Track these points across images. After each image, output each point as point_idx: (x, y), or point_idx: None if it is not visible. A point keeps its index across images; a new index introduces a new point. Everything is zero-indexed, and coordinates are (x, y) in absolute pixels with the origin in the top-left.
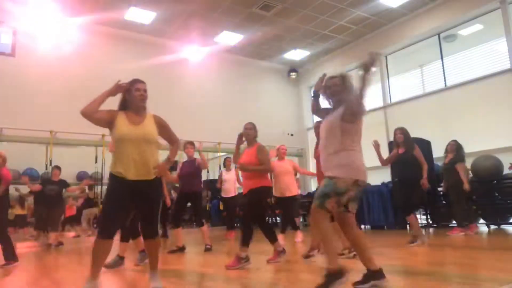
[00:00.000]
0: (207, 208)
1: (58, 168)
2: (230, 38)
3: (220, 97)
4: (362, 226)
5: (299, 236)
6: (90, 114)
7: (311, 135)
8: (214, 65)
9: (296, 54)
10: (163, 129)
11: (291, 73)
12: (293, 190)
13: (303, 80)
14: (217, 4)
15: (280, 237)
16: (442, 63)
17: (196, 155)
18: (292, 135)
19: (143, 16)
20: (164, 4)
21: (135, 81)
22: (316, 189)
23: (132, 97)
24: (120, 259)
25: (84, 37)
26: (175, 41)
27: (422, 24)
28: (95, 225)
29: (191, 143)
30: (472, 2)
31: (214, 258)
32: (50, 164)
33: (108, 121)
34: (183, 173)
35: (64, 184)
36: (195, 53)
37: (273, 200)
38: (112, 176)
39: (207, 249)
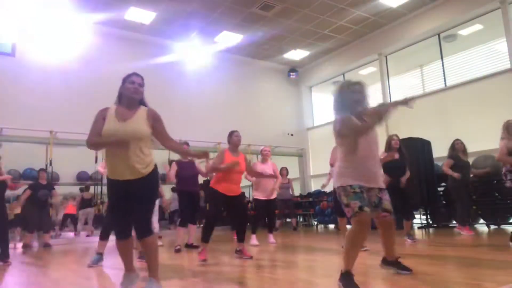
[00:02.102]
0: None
1: (44, 170)
2: (230, 38)
3: (220, 97)
4: None
5: (255, 239)
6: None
7: (311, 135)
8: (214, 65)
9: (296, 54)
10: (157, 123)
11: (291, 73)
12: (275, 193)
13: (303, 80)
14: (217, 4)
15: (253, 238)
16: (442, 63)
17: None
18: (292, 135)
19: (143, 16)
20: (164, 4)
21: (131, 74)
22: None
23: (124, 90)
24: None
25: (84, 37)
26: (175, 41)
27: (422, 24)
28: (94, 225)
29: (187, 143)
30: (472, 2)
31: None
32: (50, 164)
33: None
34: (187, 174)
35: (50, 186)
36: (195, 53)
37: (253, 202)
38: (107, 177)
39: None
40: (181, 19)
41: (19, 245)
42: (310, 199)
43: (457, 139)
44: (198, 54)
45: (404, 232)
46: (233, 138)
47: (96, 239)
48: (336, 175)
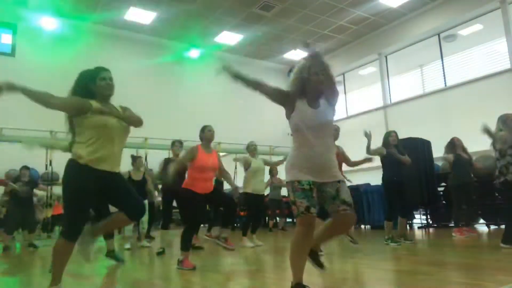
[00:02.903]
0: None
1: (27, 168)
2: (230, 38)
3: (220, 97)
4: (362, 226)
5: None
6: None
7: None
8: (214, 65)
9: (296, 54)
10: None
11: (291, 73)
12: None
13: None
14: (217, 4)
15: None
16: (442, 63)
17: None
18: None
19: (143, 16)
20: (164, 4)
21: (98, 70)
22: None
23: (97, 87)
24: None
25: (84, 37)
26: (175, 41)
27: (422, 24)
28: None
29: (181, 142)
30: (472, 2)
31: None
32: (50, 164)
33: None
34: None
35: (33, 184)
36: (195, 53)
37: (242, 197)
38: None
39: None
40: (181, 19)
41: None
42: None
43: (455, 137)
44: (198, 54)
45: (399, 232)
46: (206, 133)
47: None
48: (285, 168)
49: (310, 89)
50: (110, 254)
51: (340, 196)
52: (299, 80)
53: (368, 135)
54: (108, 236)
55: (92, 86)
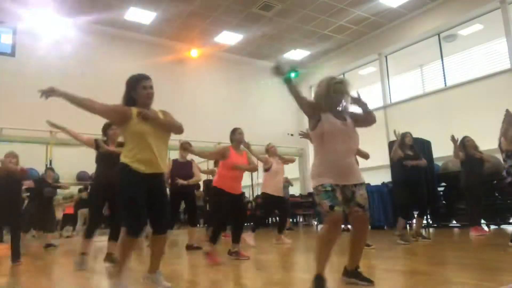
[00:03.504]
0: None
1: (51, 169)
2: (230, 38)
3: (220, 97)
4: None
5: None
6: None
7: (311, 135)
8: (214, 65)
9: (296, 54)
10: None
11: (291, 73)
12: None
13: (303, 80)
14: (217, 4)
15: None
16: (442, 63)
17: (188, 157)
18: (292, 135)
19: (143, 16)
20: (164, 4)
21: (140, 77)
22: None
23: (138, 95)
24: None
25: (84, 37)
26: (175, 41)
27: (422, 24)
28: None
29: (189, 144)
30: (472, 2)
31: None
32: (50, 164)
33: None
34: (181, 174)
35: (57, 186)
36: (195, 53)
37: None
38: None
39: (195, 248)
40: (181, 19)
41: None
42: (310, 199)
43: (467, 136)
44: (198, 54)
45: (416, 231)
46: (236, 136)
47: (95, 239)
48: (310, 176)
49: (333, 105)
50: (108, 257)
51: (356, 199)
52: (324, 97)
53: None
54: (112, 238)
55: (134, 94)
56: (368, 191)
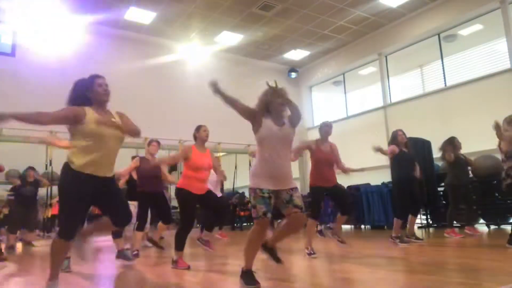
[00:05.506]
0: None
1: (32, 169)
2: (230, 38)
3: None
4: (362, 226)
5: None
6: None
7: (311, 135)
8: (214, 65)
9: (296, 54)
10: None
11: (291, 73)
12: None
13: (303, 80)
14: (217, 4)
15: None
16: (442, 63)
17: (156, 155)
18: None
19: (143, 16)
20: (164, 4)
21: (93, 77)
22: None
23: (94, 93)
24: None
25: (84, 37)
26: (175, 41)
27: (422, 24)
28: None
29: (158, 142)
30: (472, 2)
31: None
32: (50, 164)
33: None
34: (149, 173)
35: (38, 184)
36: (195, 53)
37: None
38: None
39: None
40: (181, 19)
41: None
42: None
43: (455, 137)
44: (198, 54)
45: (409, 231)
46: (201, 133)
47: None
48: (250, 175)
49: (274, 110)
50: (120, 253)
51: (293, 201)
52: (264, 102)
53: (377, 150)
54: (116, 235)
55: (89, 93)
56: (368, 191)
